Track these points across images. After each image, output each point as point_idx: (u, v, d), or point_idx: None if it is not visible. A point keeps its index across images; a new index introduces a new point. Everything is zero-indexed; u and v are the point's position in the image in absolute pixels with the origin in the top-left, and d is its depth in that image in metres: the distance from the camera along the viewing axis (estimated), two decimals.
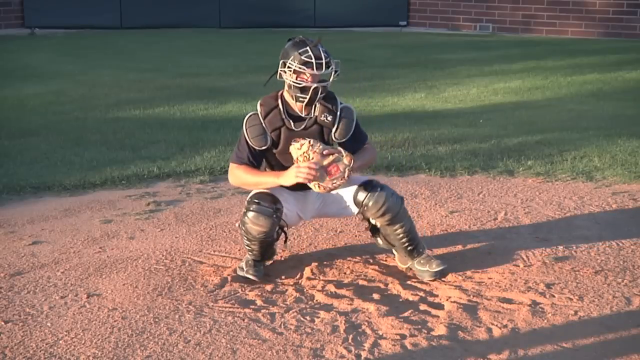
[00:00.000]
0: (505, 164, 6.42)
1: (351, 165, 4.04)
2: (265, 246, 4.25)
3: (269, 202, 4.11)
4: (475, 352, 3.52)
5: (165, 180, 6.11)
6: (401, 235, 4.23)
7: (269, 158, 4.23)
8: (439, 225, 5.11)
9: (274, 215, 4.11)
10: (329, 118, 4.14)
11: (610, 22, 14.92)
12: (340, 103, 4.19)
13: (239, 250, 4.68)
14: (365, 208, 4.16)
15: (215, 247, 4.75)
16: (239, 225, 4.23)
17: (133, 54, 12.91)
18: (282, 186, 4.16)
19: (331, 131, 4.15)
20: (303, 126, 4.13)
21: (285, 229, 4.32)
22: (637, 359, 3.46)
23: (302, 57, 4.00)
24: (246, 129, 4.15)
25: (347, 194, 4.22)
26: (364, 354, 3.50)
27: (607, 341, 3.59)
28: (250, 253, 4.28)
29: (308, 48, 4.01)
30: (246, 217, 4.13)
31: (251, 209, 4.12)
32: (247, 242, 4.23)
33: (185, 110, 8.68)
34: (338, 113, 4.15)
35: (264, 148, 4.16)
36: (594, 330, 3.69)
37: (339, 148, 4.08)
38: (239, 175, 4.19)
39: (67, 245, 4.79)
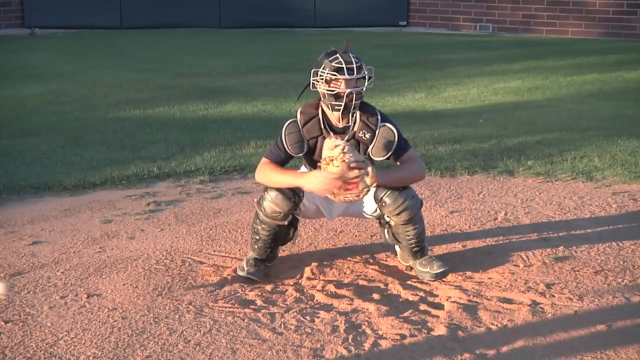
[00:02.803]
0: (505, 164, 6.42)
1: (371, 187, 4.02)
2: (274, 238, 4.27)
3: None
4: (475, 352, 3.52)
5: (165, 180, 6.11)
6: (410, 237, 4.23)
7: (307, 161, 4.29)
8: (439, 225, 5.11)
9: (293, 200, 4.14)
10: (367, 135, 4.13)
11: (610, 22, 14.92)
12: (383, 120, 4.15)
13: (239, 250, 4.68)
14: (383, 204, 4.14)
15: (215, 247, 4.75)
16: (256, 202, 4.24)
17: (133, 54, 12.91)
18: None
19: (368, 147, 4.15)
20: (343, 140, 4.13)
21: (299, 225, 4.36)
22: (637, 359, 3.46)
23: (333, 64, 4.03)
24: (285, 136, 4.18)
25: (372, 199, 4.23)
26: (364, 354, 3.50)
27: (607, 341, 3.60)
28: (255, 245, 4.29)
29: (338, 55, 4.04)
30: (266, 194, 4.17)
31: (274, 187, 4.16)
32: (258, 226, 4.24)
33: (185, 110, 8.68)
34: (377, 131, 4.13)
35: (299, 155, 4.21)
36: (594, 330, 3.69)
37: (369, 168, 3.98)
38: (267, 172, 4.19)
39: (67, 245, 4.79)
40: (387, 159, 4.19)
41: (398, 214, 4.14)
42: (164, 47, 13.73)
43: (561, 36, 15.10)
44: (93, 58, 12.51)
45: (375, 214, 4.32)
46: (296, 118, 4.19)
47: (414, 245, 4.25)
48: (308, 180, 4.05)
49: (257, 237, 4.28)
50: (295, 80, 10.26)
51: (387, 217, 4.23)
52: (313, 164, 4.25)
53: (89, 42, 14.26)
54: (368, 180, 3.98)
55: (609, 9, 14.95)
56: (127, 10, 15.88)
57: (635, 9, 14.81)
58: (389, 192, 4.12)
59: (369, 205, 4.29)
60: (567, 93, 9.84)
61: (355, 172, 3.96)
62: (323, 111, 4.17)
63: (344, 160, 3.93)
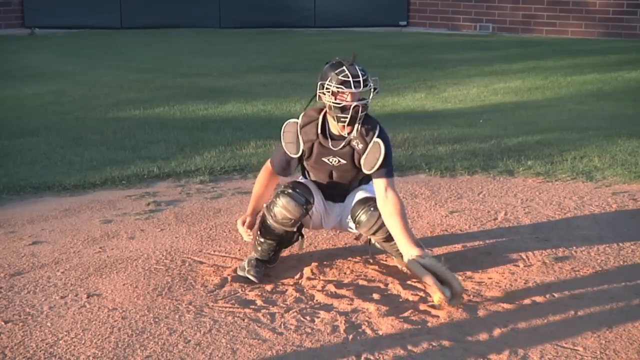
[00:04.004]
0: (505, 164, 6.42)
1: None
2: (279, 242, 4.28)
3: (304, 193, 4.17)
4: (475, 352, 3.52)
5: (165, 180, 6.11)
6: (396, 249, 4.22)
7: (304, 166, 4.32)
8: (439, 225, 5.11)
9: (305, 207, 4.14)
10: (360, 146, 4.13)
11: (610, 22, 14.92)
12: (379, 136, 4.12)
13: (239, 250, 4.68)
14: (359, 224, 4.17)
15: (215, 247, 4.75)
16: (265, 207, 4.24)
17: (133, 54, 12.91)
18: (318, 188, 4.27)
19: (361, 156, 4.15)
20: (338, 146, 4.14)
21: (304, 230, 4.38)
22: (637, 359, 3.46)
23: (340, 77, 4.01)
24: (282, 134, 4.22)
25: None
26: (364, 354, 3.50)
27: (607, 341, 3.60)
28: (259, 247, 4.29)
29: (344, 67, 4.02)
30: (278, 199, 4.16)
31: (286, 192, 4.16)
32: (265, 229, 4.24)
33: (185, 110, 8.68)
34: (369, 144, 4.12)
35: (295, 156, 4.21)
36: (594, 330, 3.69)
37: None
38: (258, 179, 4.33)
39: (67, 245, 4.79)
40: (370, 172, 4.17)
41: (374, 233, 4.16)
42: (164, 47, 13.73)
43: (561, 36, 15.10)
44: (93, 58, 12.51)
45: (356, 235, 4.34)
46: (297, 119, 4.21)
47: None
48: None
49: (262, 240, 4.28)
50: (295, 80, 10.26)
51: (367, 235, 4.24)
52: (310, 170, 4.29)
53: (89, 42, 14.26)
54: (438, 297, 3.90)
55: (609, 9, 14.95)
56: (127, 10, 15.89)
57: (635, 9, 14.80)
58: (363, 211, 4.14)
59: (352, 225, 4.31)
60: (567, 93, 9.84)
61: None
62: (324, 117, 4.18)
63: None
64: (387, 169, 4.15)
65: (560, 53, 12.87)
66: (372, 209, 4.14)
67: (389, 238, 4.16)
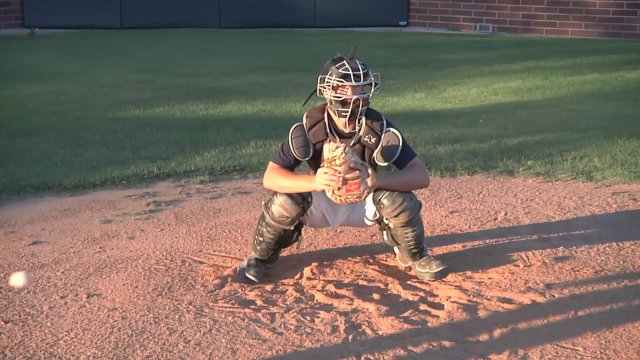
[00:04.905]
0: (505, 164, 6.42)
1: (372, 188, 4.04)
2: (277, 241, 4.27)
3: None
4: (475, 352, 3.52)
5: (165, 180, 6.11)
6: (409, 238, 4.23)
7: (311, 165, 4.29)
8: (439, 225, 5.11)
9: (302, 205, 4.14)
10: (372, 140, 4.14)
11: (610, 22, 14.93)
12: (387, 126, 4.17)
13: (239, 250, 4.68)
14: (382, 206, 4.14)
15: (215, 247, 4.75)
16: (264, 205, 4.24)
17: (133, 54, 12.92)
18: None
19: (373, 152, 4.16)
20: (348, 144, 4.13)
21: (303, 230, 4.37)
22: (637, 359, 3.47)
23: (340, 71, 4.04)
24: (291, 140, 4.18)
25: (371, 203, 4.23)
26: (364, 354, 3.50)
27: (607, 341, 3.60)
28: (258, 246, 4.29)
29: (345, 61, 4.05)
30: (276, 198, 4.16)
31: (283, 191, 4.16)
32: (264, 229, 4.23)
33: (185, 110, 8.68)
34: (382, 136, 4.14)
35: (306, 159, 4.21)
36: (594, 330, 3.69)
37: (369, 169, 4.03)
38: (275, 177, 4.18)
39: (67, 245, 4.79)
40: (392, 163, 4.19)
41: (396, 216, 4.14)
42: (164, 47, 13.74)
43: (561, 36, 15.10)
44: (93, 58, 12.51)
45: (375, 218, 4.32)
46: (302, 122, 4.20)
47: (412, 247, 4.25)
48: (316, 180, 4.04)
49: (261, 239, 4.28)
50: (295, 80, 10.26)
51: (386, 219, 4.23)
52: (314, 170, 4.26)
53: (89, 42, 14.27)
54: (368, 181, 3.99)
55: (609, 9, 14.95)
56: (127, 10, 15.89)
57: (635, 9, 14.81)
58: (387, 194, 4.11)
59: (370, 211, 4.29)
60: (567, 93, 9.84)
61: (356, 173, 3.97)
62: (329, 115, 4.18)
63: (345, 161, 3.93)
64: (408, 151, 4.19)
65: (560, 53, 12.88)
66: (395, 193, 4.13)
67: (408, 223, 4.16)
